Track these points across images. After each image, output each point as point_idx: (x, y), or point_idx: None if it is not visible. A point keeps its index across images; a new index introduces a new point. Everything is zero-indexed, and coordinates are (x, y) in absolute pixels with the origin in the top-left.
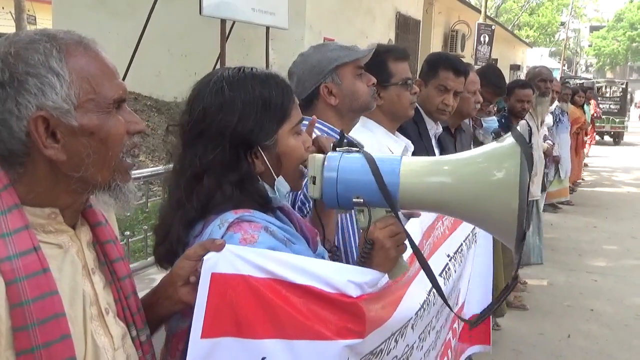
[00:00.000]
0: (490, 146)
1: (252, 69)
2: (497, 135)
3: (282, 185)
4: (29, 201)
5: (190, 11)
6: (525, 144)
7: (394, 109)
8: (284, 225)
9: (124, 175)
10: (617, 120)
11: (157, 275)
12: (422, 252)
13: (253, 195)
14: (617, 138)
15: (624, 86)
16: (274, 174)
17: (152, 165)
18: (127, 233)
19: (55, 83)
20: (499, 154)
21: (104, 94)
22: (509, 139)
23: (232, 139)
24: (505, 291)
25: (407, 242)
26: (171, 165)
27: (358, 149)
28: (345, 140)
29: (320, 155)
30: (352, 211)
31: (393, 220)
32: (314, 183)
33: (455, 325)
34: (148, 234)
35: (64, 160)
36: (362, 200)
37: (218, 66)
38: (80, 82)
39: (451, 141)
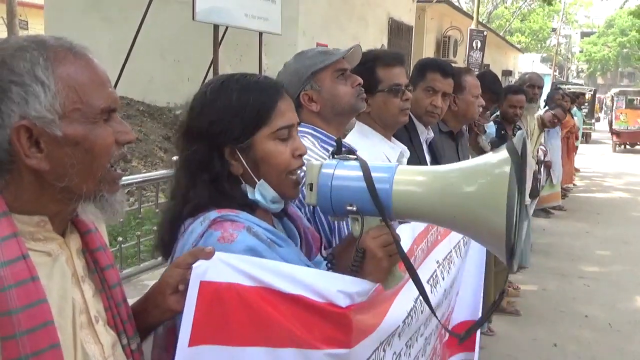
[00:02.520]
0: (484, 158)
1: (246, 75)
2: (493, 145)
3: (265, 189)
4: (16, 208)
5: (183, 16)
6: (516, 156)
7: (382, 116)
8: (272, 228)
9: (111, 185)
10: (586, 122)
11: (149, 282)
12: (414, 259)
13: (228, 196)
14: (587, 137)
15: (592, 92)
16: (254, 178)
17: (144, 170)
18: (120, 239)
19: (39, 92)
20: (490, 166)
21: (91, 103)
22: (502, 151)
23: (206, 139)
24: (493, 307)
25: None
26: (166, 171)
27: (356, 157)
28: (343, 148)
29: (318, 162)
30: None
31: (386, 229)
32: (310, 190)
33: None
34: (141, 240)
35: (47, 170)
36: (355, 208)
37: (211, 71)
38: (66, 92)
39: (452, 146)
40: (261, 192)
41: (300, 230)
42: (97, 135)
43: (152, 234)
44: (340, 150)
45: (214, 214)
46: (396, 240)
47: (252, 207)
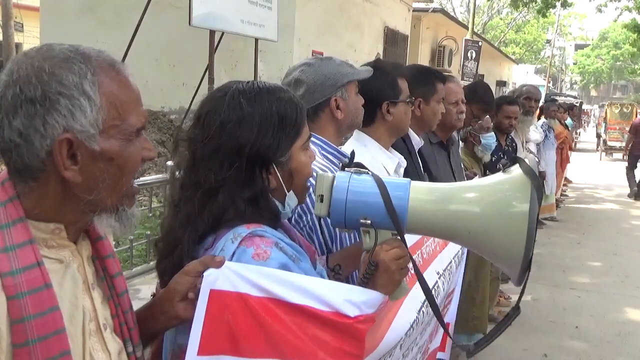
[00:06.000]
0: (499, 177)
1: (265, 83)
2: (504, 166)
3: (292, 200)
4: (34, 215)
5: (179, 21)
6: (535, 178)
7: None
8: (291, 242)
9: (130, 199)
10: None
11: (141, 286)
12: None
13: (264, 212)
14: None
15: (577, 104)
16: (285, 190)
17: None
18: (113, 243)
19: (86, 107)
20: (510, 186)
21: (129, 121)
22: (517, 171)
23: (249, 156)
24: (508, 319)
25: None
26: (159, 176)
27: (367, 170)
28: (353, 161)
29: (330, 175)
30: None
31: (398, 243)
32: (321, 201)
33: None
34: (133, 245)
35: (79, 183)
36: (369, 221)
37: (206, 77)
38: (108, 107)
39: (444, 155)
40: (289, 203)
41: (293, 239)
42: (131, 152)
43: (145, 238)
44: (352, 163)
45: (243, 230)
46: (410, 253)
47: (275, 220)
